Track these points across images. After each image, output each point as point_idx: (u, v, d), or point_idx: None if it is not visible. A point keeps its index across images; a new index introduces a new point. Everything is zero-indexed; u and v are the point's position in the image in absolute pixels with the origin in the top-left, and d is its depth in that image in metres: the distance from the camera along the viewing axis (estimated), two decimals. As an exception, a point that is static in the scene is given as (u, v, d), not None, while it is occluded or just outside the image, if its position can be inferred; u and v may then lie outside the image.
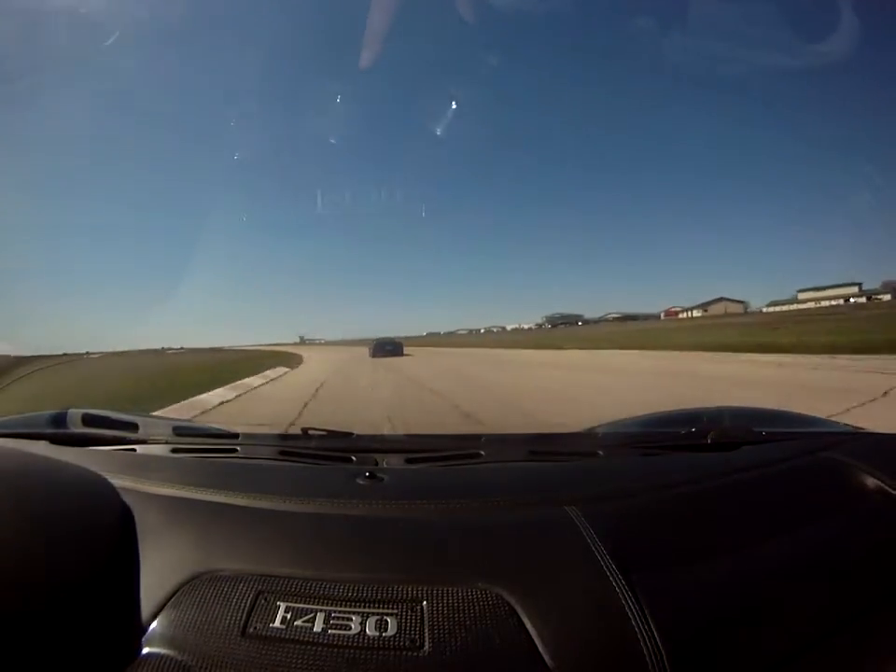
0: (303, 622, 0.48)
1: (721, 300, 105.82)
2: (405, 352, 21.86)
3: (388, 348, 21.56)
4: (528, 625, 0.47)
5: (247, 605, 0.50)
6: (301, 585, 0.52)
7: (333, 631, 0.47)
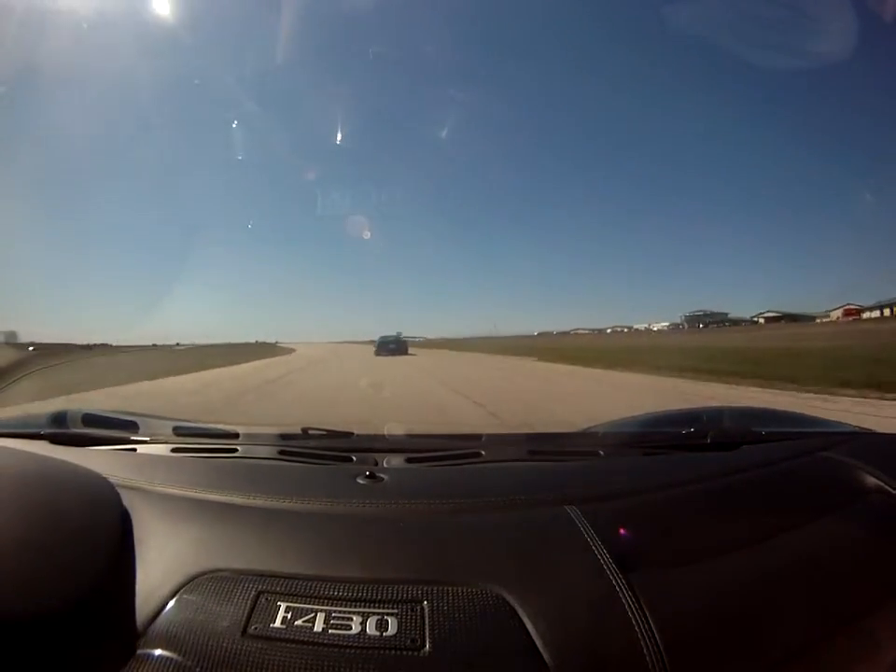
0: (304, 621, 0.48)
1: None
2: (409, 352, 22.45)
3: (391, 347, 21.90)
4: (528, 625, 0.47)
5: (248, 605, 0.50)
6: (302, 585, 0.52)
7: (334, 631, 0.47)
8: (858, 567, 0.60)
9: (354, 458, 0.94)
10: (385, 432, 1.15)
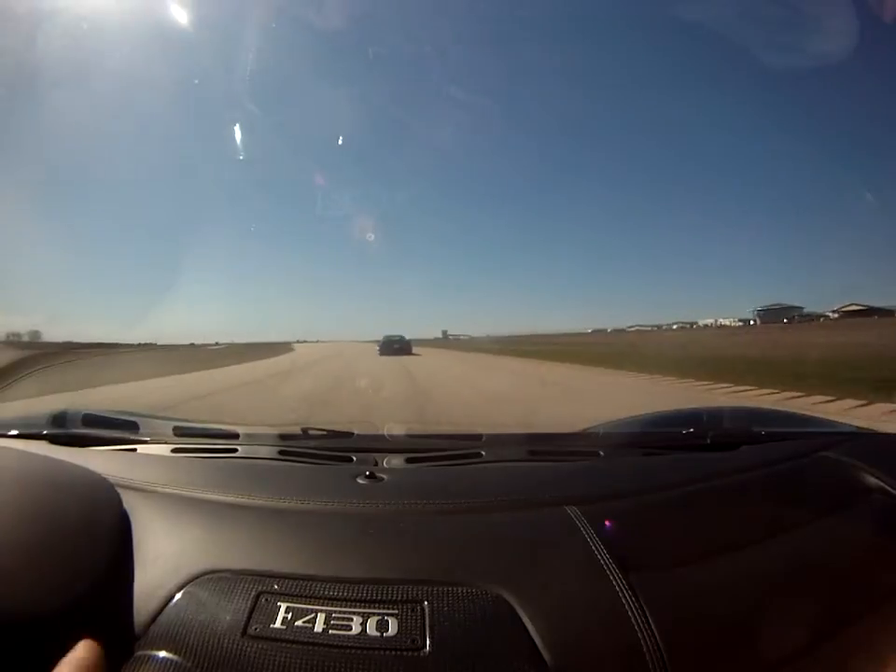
0: (304, 622, 0.48)
1: None
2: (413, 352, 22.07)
3: (395, 346, 21.62)
4: (528, 625, 0.47)
5: (248, 605, 0.50)
6: (302, 585, 0.52)
7: (334, 631, 0.47)
8: (858, 567, 0.60)
9: (354, 458, 0.94)
10: (385, 432, 1.15)
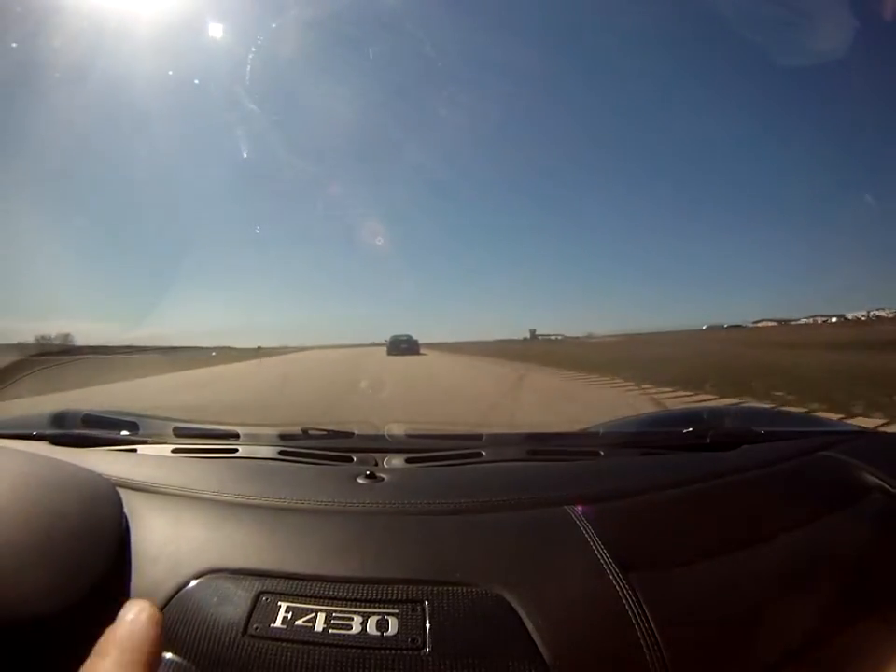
0: (305, 621, 0.48)
1: None
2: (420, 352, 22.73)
3: (403, 346, 21.94)
4: (528, 625, 0.48)
5: (248, 605, 0.50)
6: (302, 585, 0.52)
7: (334, 631, 0.47)
8: (858, 567, 0.60)
9: (354, 458, 0.94)
10: (386, 432, 1.14)
